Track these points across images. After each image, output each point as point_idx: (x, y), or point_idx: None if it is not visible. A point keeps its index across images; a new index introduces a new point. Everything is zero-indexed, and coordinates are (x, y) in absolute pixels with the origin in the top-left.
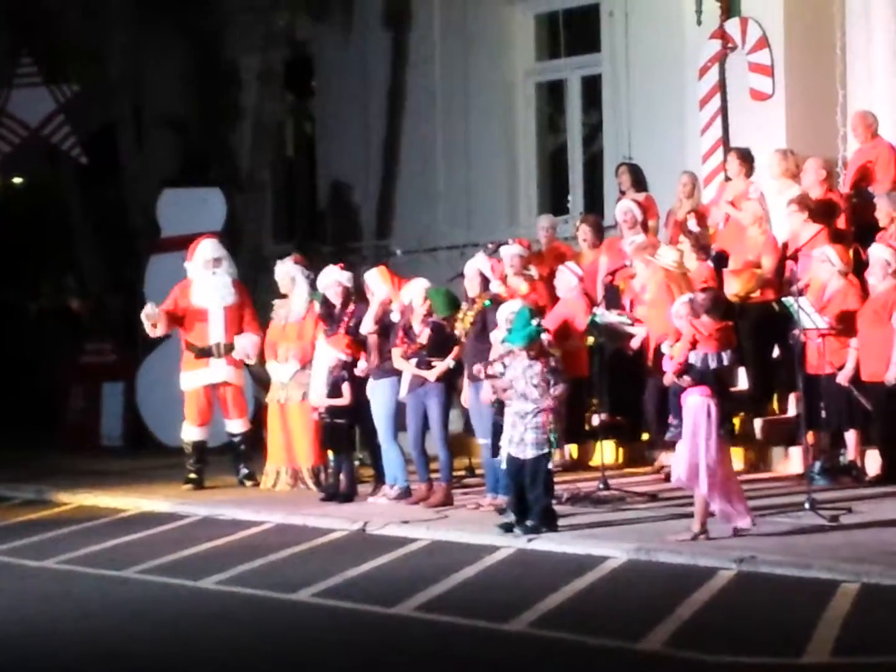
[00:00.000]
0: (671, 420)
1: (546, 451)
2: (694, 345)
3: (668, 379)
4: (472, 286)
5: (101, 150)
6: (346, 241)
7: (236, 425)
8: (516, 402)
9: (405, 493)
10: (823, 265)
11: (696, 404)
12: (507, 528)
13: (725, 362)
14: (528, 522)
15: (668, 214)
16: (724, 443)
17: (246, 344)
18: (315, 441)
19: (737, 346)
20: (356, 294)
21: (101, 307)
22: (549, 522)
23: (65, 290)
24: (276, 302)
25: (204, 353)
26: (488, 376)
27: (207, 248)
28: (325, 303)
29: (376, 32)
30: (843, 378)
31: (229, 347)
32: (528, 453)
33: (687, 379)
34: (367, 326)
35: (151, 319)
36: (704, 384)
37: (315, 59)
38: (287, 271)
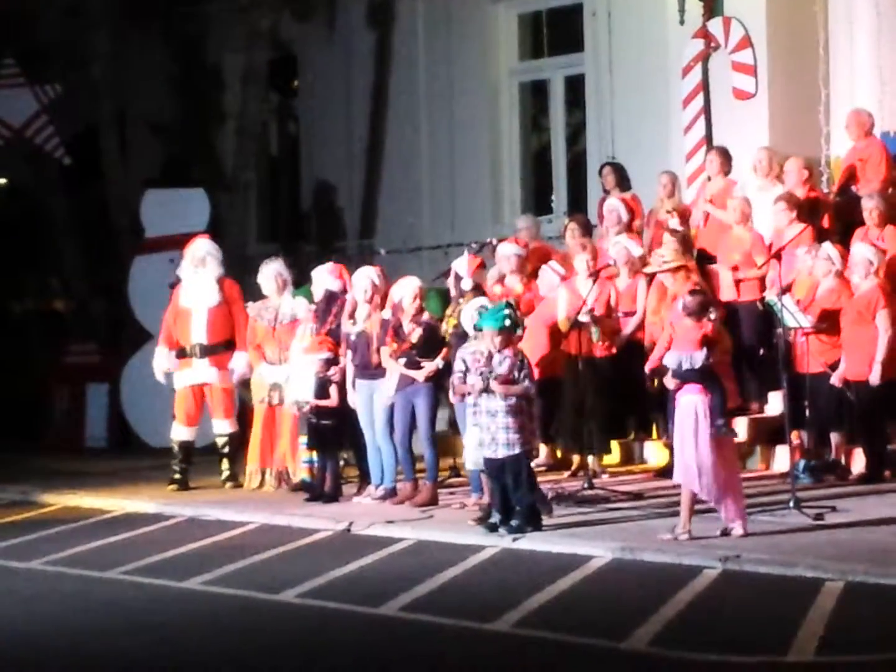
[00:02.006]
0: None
1: (519, 450)
2: (671, 344)
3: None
4: (453, 285)
5: (85, 151)
6: (330, 241)
7: (220, 426)
8: (485, 400)
9: (390, 493)
10: (823, 262)
11: (686, 404)
12: (493, 527)
13: (696, 364)
14: (513, 522)
15: (649, 214)
16: (721, 440)
17: (239, 364)
18: None
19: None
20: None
21: (85, 308)
22: (533, 521)
23: (48, 290)
24: (251, 304)
25: (183, 353)
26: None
27: (194, 248)
28: (321, 312)
29: (360, 32)
30: (836, 379)
31: (209, 349)
32: (500, 453)
33: (670, 379)
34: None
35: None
36: (692, 383)
37: (298, 59)
38: (279, 271)
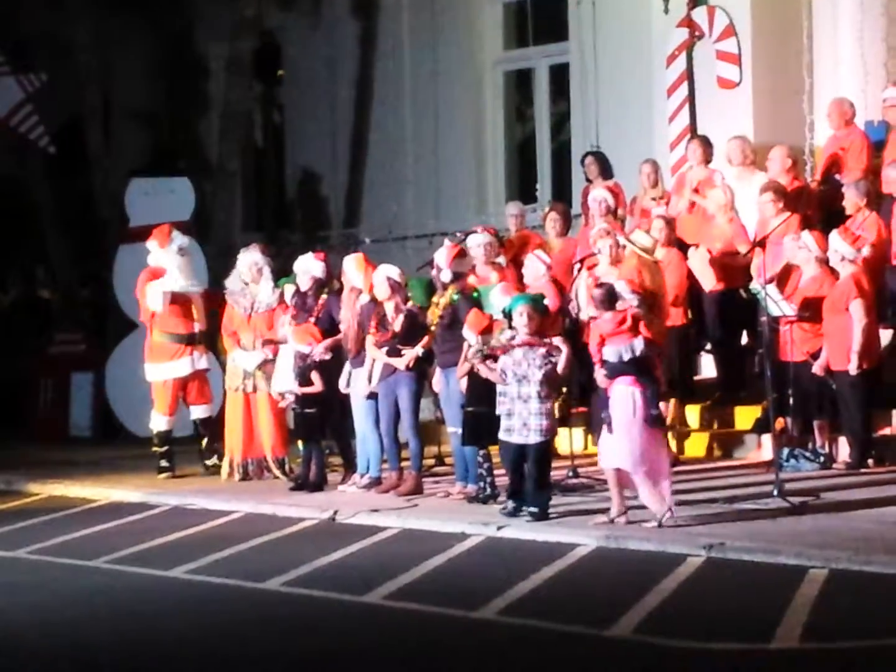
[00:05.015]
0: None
1: (549, 437)
2: (603, 343)
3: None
4: (436, 276)
5: (70, 140)
6: (315, 230)
7: (203, 411)
8: (517, 386)
9: (375, 482)
10: (800, 251)
11: (621, 394)
12: (512, 514)
13: (637, 352)
14: (532, 509)
15: (632, 202)
16: (653, 429)
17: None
18: (281, 431)
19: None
20: (328, 284)
21: (71, 298)
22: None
23: (34, 280)
24: (228, 291)
25: (191, 340)
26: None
27: (181, 236)
28: (297, 290)
29: (344, 21)
30: (818, 367)
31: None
32: (532, 439)
33: (602, 375)
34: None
35: None
36: (626, 374)
37: (283, 48)
38: (254, 260)
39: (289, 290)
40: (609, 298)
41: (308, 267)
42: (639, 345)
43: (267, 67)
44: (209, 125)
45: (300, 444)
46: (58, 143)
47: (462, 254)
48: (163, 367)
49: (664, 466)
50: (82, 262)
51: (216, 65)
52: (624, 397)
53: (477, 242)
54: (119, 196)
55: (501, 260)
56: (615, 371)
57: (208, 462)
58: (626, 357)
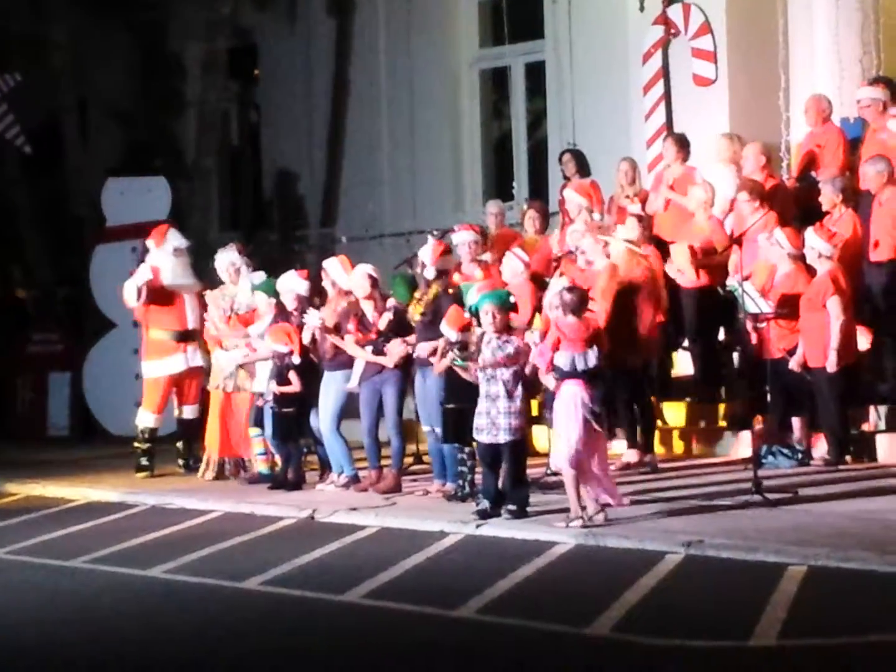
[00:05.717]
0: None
1: (520, 436)
2: (558, 344)
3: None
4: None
5: (46, 139)
6: (292, 229)
7: (193, 411)
8: (486, 385)
9: (353, 480)
10: (773, 249)
11: (568, 394)
12: (484, 514)
13: (591, 364)
14: (511, 507)
15: (610, 200)
16: (595, 431)
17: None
18: None
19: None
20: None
21: (48, 297)
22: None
23: (11, 280)
24: (208, 293)
25: (185, 336)
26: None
27: (177, 237)
28: (281, 308)
29: (320, 20)
30: (794, 364)
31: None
32: (501, 438)
33: (553, 378)
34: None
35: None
36: (575, 378)
37: (259, 47)
38: (231, 261)
39: (260, 298)
40: (580, 304)
41: (292, 286)
42: (592, 357)
43: (243, 67)
44: (185, 124)
45: (268, 445)
46: (34, 142)
47: (447, 251)
48: (158, 363)
49: (598, 470)
50: (59, 261)
51: (192, 64)
52: (569, 397)
53: (462, 240)
54: (95, 195)
55: (487, 257)
56: (564, 376)
57: (181, 461)
58: (579, 367)
